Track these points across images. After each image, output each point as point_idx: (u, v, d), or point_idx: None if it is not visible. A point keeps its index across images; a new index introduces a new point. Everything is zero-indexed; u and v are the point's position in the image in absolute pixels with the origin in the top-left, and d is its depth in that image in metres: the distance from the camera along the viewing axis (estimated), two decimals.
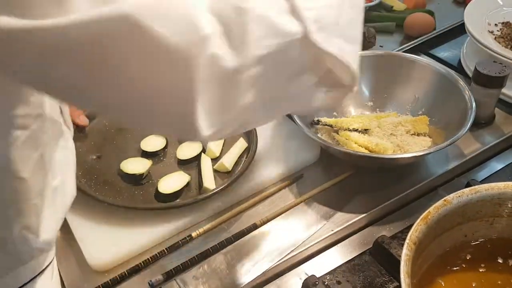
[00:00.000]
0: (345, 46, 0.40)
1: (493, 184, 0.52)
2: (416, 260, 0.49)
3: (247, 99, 0.38)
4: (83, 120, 0.82)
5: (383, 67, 0.85)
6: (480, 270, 0.53)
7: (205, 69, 0.34)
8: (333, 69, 0.41)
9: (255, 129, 0.81)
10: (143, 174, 0.75)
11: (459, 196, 0.52)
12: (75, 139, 0.72)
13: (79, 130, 0.81)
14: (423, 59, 0.84)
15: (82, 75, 0.33)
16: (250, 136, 0.81)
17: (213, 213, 0.72)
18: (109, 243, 0.67)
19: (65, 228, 0.70)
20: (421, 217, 0.50)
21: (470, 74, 0.92)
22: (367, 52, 0.87)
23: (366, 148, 0.78)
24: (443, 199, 0.51)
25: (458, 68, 0.98)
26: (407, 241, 0.48)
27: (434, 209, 0.50)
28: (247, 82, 0.37)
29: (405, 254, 0.47)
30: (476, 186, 0.53)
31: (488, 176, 0.77)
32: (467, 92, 0.76)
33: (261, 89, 0.38)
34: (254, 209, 0.74)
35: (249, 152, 0.78)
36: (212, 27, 0.34)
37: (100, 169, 0.77)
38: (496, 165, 0.80)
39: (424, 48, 1.06)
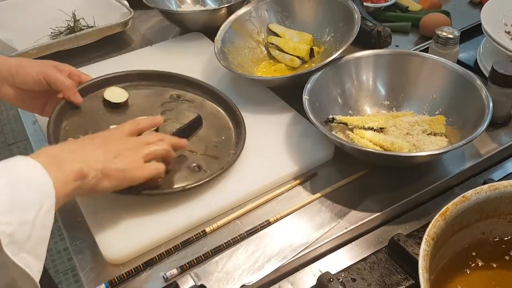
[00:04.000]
0: (31, 262, 0.48)
1: None
2: (433, 256, 0.48)
3: None
4: (78, 98, 0.80)
5: (400, 66, 0.85)
6: (498, 268, 0.53)
7: None
8: (17, 278, 0.47)
9: (243, 121, 0.83)
10: None
11: (477, 192, 0.52)
12: (71, 117, 0.79)
13: (74, 107, 0.80)
14: (440, 58, 0.83)
15: None
16: (239, 130, 0.82)
17: (226, 209, 0.72)
18: (124, 237, 0.67)
19: (81, 221, 0.70)
20: (439, 212, 0.49)
21: (487, 74, 0.91)
22: (384, 51, 0.87)
23: (381, 147, 0.77)
24: (461, 195, 0.51)
25: (475, 68, 0.98)
26: (425, 236, 0.47)
27: (453, 205, 0.50)
28: None
29: (423, 249, 0.46)
30: (495, 183, 0.52)
31: (504, 176, 0.77)
32: (484, 92, 0.75)
33: None
34: (268, 206, 0.73)
35: (239, 146, 0.79)
36: None
37: None
38: None
39: None
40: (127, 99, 0.85)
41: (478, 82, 0.77)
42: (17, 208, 0.47)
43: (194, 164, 0.77)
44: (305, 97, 0.78)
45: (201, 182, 0.72)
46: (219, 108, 0.88)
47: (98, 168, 0.60)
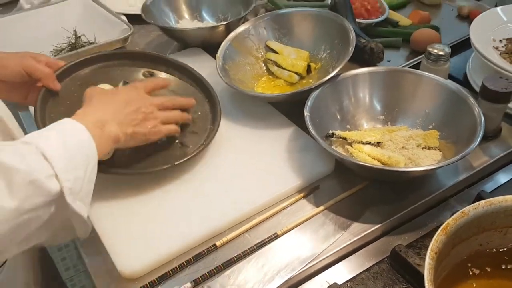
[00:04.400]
0: (82, 207, 0.60)
1: (507, 197, 0.56)
2: (436, 269, 0.52)
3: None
4: (56, 85, 0.83)
5: (395, 83, 0.89)
6: (495, 278, 0.57)
7: None
8: (72, 220, 0.60)
9: (215, 94, 0.93)
10: None
11: (475, 208, 0.56)
12: (53, 105, 0.83)
13: (55, 94, 0.84)
14: (434, 76, 0.87)
15: None
16: (213, 104, 0.92)
17: (235, 223, 0.76)
18: (138, 252, 0.70)
19: (95, 236, 0.73)
20: (441, 227, 0.53)
21: (476, 88, 0.96)
22: (379, 68, 0.91)
23: (378, 161, 0.81)
24: (460, 211, 0.55)
25: (464, 81, 1.02)
26: (429, 251, 0.51)
27: (453, 220, 0.54)
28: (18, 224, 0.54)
29: (428, 263, 0.50)
30: (491, 199, 0.56)
31: (496, 188, 0.81)
32: (476, 109, 0.79)
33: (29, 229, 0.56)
34: (275, 219, 0.77)
35: (216, 121, 0.88)
36: None
37: None
38: (504, 176, 0.84)
39: None
40: None
41: (471, 99, 0.81)
42: (72, 168, 0.59)
43: (177, 141, 0.85)
44: (306, 114, 0.82)
45: (187, 158, 0.81)
46: (190, 83, 0.95)
47: (129, 133, 0.72)
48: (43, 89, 0.82)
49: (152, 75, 0.94)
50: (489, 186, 0.82)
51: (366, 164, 0.76)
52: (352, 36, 0.93)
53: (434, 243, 0.52)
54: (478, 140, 0.74)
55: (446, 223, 0.54)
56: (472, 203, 0.74)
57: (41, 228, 0.57)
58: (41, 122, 0.78)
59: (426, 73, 0.88)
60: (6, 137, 0.78)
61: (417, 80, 0.88)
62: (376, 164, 0.79)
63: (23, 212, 0.53)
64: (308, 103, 0.84)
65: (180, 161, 0.81)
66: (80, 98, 0.82)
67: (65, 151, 0.59)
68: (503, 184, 0.82)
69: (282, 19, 1.06)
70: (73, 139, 0.62)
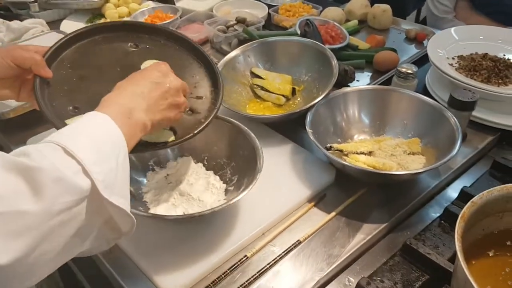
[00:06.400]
0: (122, 201, 0.56)
1: (503, 186, 0.68)
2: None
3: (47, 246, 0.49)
4: (48, 73, 0.76)
5: (379, 99, 1.01)
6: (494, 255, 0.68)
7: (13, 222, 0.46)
8: (114, 217, 0.57)
9: (206, 54, 0.90)
10: None
11: (480, 197, 0.67)
12: (52, 95, 0.76)
13: (45, 83, 0.76)
14: (413, 92, 1.00)
15: None
16: (206, 63, 0.90)
17: (257, 236, 0.82)
18: (179, 272, 0.75)
19: (132, 266, 0.76)
20: (459, 216, 0.63)
21: (436, 97, 1.11)
22: (367, 87, 1.03)
23: (373, 168, 0.91)
24: (470, 201, 0.66)
25: (423, 93, 1.16)
26: (456, 235, 0.61)
27: (467, 209, 0.65)
28: (50, 230, 0.48)
29: (458, 246, 0.60)
30: (491, 189, 0.68)
31: (473, 183, 0.94)
32: (453, 120, 0.91)
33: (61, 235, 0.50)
34: (293, 228, 0.84)
35: (218, 82, 0.88)
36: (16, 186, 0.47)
37: None
38: (476, 172, 0.98)
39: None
40: None
41: (448, 112, 0.94)
42: (102, 159, 0.55)
43: (187, 109, 0.83)
44: (309, 130, 0.91)
45: (207, 123, 0.81)
46: (177, 47, 0.90)
47: (156, 119, 0.69)
48: (37, 80, 0.75)
49: (138, 46, 0.87)
50: (466, 182, 0.95)
51: (369, 170, 0.86)
52: (335, 62, 1.05)
53: (459, 229, 0.62)
54: (458, 147, 0.86)
55: (462, 211, 0.64)
56: (458, 197, 0.88)
57: (80, 232, 0.52)
58: (50, 113, 0.73)
59: (407, 90, 1.00)
60: None
61: (399, 97, 1.00)
62: (376, 169, 0.89)
63: (53, 214, 0.48)
64: (308, 121, 0.93)
65: (200, 128, 0.80)
66: (73, 81, 0.79)
67: (91, 143, 0.55)
68: (478, 179, 0.95)
69: (268, 47, 1.15)
70: (97, 130, 0.58)
